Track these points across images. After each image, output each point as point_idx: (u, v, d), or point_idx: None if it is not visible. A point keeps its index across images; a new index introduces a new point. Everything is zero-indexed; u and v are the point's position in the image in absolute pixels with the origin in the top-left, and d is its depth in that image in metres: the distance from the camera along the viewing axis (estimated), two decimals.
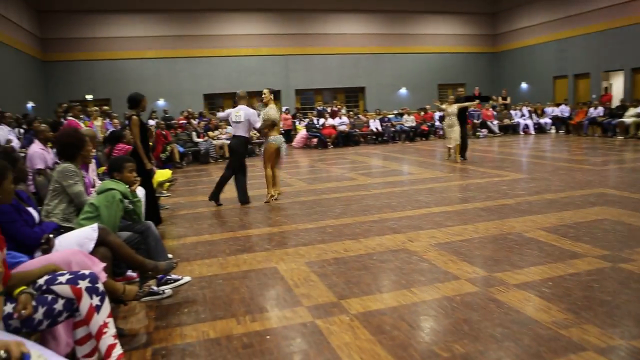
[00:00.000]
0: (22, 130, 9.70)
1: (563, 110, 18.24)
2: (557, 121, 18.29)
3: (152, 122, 14.64)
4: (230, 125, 7.75)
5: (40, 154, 5.76)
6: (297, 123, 18.59)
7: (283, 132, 18.58)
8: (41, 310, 2.28)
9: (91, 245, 2.98)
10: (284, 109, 19.32)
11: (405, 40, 22.09)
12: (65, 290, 2.36)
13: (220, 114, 7.57)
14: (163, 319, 3.36)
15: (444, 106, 11.37)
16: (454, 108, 10.90)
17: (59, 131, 4.57)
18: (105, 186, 3.57)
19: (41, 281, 2.38)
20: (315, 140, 16.80)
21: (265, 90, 7.28)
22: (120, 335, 2.69)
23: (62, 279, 2.39)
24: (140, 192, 4.54)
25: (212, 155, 14.03)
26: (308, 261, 4.42)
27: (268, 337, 3.01)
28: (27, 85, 15.68)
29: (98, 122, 11.09)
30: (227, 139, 13.47)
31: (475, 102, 11.26)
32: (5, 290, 2.19)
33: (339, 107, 18.47)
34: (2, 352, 1.60)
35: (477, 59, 23.23)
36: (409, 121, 17.88)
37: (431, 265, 4.15)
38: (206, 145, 14.06)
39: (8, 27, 14.26)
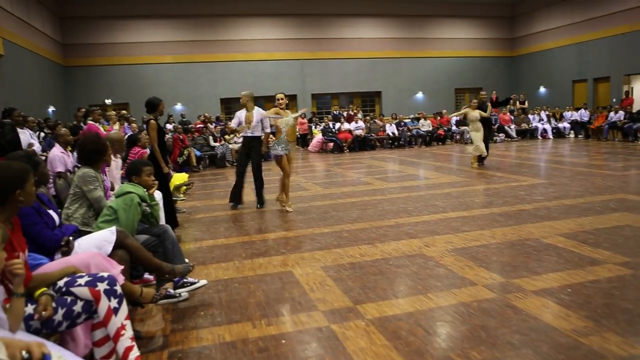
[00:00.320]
0: (42, 134, 9.87)
1: (582, 115, 18.00)
2: (576, 126, 18.05)
3: (169, 126, 14.81)
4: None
5: (60, 157, 5.86)
6: (313, 127, 18.63)
7: (299, 136, 18.71)
8: (61, 311, 2.31)
9: (109, 248, 3.02)
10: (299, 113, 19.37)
11: (422, 45, 22.01)
12: (84, 292, 2.39)
13: (234, 123, 7.54)
14: (179, 322, 3.38)
15: (464, 110, 11.05)
16: (476, 113, 10.53)
17: (82, 136, 4.64)
18: (124, 190, 3.61)
19: (61, 283, 2.42)
20: (331, 144, 16.81)
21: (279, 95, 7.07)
22: (137, 337, 2.71)
23: (81, 281, 2.42)
24: (158, 195, 4.59)
25: (228, 159, 14.12)
26: (324, 265, 4.41)
27: (283, 341, 3.02)
28: (49, 90, 15.98)
29: (116, 126, 11.23)
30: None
31: (486, 114, 10.53)
32: (26, 291, 2.22)
33: (355, 111, 18.46)
34: (24, 352, 1.62)
35: (494, 63, 23.04)
36: (426, 125, 17.82)
37: (448, 270, 4.11)
38: (223, 149, 14.16)
39: (32, 33, 14.57)
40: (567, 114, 18.63)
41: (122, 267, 2.81)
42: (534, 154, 13.50)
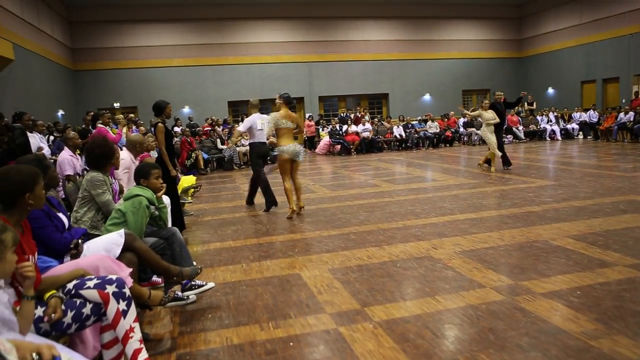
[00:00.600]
0: (52, 138, 9.96)
1: (591, 116, 17.88)
2: (585, 127, 17.93)
3: (177, 129, 14.89)
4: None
5: (69, 160, 5.91)
6: (320, 130, 18.65)
7: (306, 138, 18.71)
8: (70, 314, 2.33)
9: (118, 251, 3.04)
10: (307, 115, 19.42)
11: (429, 46, 21.97)
12: (93, 294, 2.40)
13: (242, 127, 7.55)
14: (187, 325, 3.39)
15: (476, 112, 10.64)
16: (490, 114, 10.05)
17: (90, 140, 4.68)
18: (132, 192, 3.64)
19: (70, 286, 2.44)
20: (338, 146, 16.82)
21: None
22: (145, 340, 2.73)
23: (90, 283, 2.44)
24: (166, 198, 4.61)
25: (235, 162, 14.17)
26: (331, 268, 4.41)
27: (291, 343, 3.02)
28: (58, 94, 16.12)
29: (124, 130, 11.30)
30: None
31: (494, 120, 10.01)
32: (36, 294, 2.24)
33: (363, 113, 18.47)
34: (35, 354, 1.64)
35: (502, 65, 22.95)
36: (433, 127, 17.78)
37: (456, 273, 4.10)
38: (230, 152, 14.21)
39: (41, 38, 14.71)
40: (576, 115, 18.51)
41: (131, 269, 2.82)
42: (542, 155, 13.42)
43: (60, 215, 3.17)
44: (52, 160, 6.64)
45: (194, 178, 8.11)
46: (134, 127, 12.57)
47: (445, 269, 4.20)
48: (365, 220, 6.28)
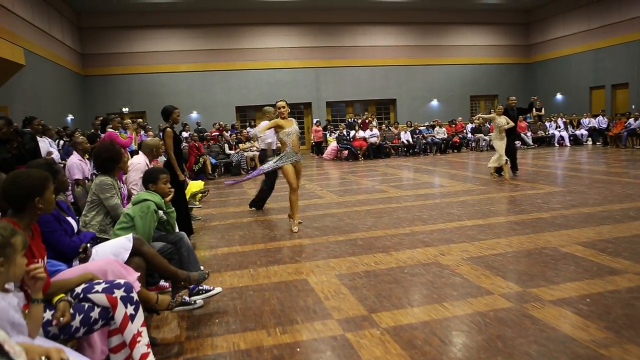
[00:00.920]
0: (61, 142, 10.04)
1: (600, 122, 17.76)
2: (594, 133, 17.82)
3: (185, 134, 14.96)
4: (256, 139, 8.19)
5: (78, 165, 5.95)
6: (327, 135, 18.67)
7: (313, 143, 18.70)
8: (78, 317, 2.34)
9: (126, 255, 3.05)
10: (314, 120, 19.44)
11: (437, 52, 21.97)
12: (101, 298, 2.42)
13: (255, 131, 7.85)
14: (194, 329, 3.39)
15: (490, 115, 10.33)
16: (503, 120, 9.79)
17: (97, 145, 4.71)
18: (141, 197, 3.65)
19: (78, 289, 2.45)
20: (345, 152, 16.82)
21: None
22: (152, 344, 2.73)
23: (99, 287, 2.45)
24: None
25: (243, 167, 14.20)
26: (338, 274, 4.40)
27: (298, 349, 3.01)
28: (68, 99, 16.27)
29: (133, 134, 11.38)
30: (258, 152, 13.67)
31: (508, 125, 9.80)
32: (45, 297, 2.26)
33: (370, 119, 18.47)
34: (44, 358, 1.65)
35: (510, 70, 22.90)
36: (441, 133, 17.74)
37: (463, 279, 4.08)
38: (238, 157, 14.24)
39: (51, 44, 14.88)
40: (585, 121, 18.40)
41: (139, 274, 2.84)
42: (551, 161, 13.35)
43: (69, 219, 3.20)
44: (62, 165, 6.69)
45: (202, 183, 8.13)
46: (142, 132, 12.63)
47: (453, 276, 4.18)
48: (372, 226, 6.27)
